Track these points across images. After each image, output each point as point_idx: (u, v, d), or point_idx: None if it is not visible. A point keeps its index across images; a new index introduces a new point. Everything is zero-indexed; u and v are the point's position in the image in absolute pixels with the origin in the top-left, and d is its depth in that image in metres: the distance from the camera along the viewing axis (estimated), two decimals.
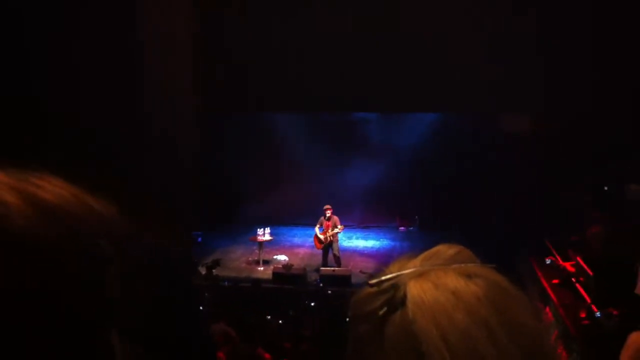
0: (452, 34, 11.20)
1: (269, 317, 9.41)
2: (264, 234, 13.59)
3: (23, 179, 0.58)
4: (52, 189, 0.59)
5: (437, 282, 0.69)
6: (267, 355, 7.06)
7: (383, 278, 0.72)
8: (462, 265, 0.72)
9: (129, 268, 0.62)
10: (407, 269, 0.72)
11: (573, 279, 9.07)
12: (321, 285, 11.83)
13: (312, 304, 10.44)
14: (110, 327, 0.59)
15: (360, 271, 12.94)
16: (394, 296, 0.69)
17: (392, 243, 15.57)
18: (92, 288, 0.57)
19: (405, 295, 0.68)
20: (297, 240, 15.64)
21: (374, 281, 0.73)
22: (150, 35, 6.15)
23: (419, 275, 0.71)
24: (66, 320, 0.55)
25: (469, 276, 0.70)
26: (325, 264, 12.92)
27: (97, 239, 0.59)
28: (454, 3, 11.26)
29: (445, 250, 0.76)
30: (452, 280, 0.69)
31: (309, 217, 14.64)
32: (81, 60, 5.68)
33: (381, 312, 0.69)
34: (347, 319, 0.75)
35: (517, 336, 0.66)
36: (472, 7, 11.15)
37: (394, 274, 0.72)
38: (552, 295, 8.89)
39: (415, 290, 0.68)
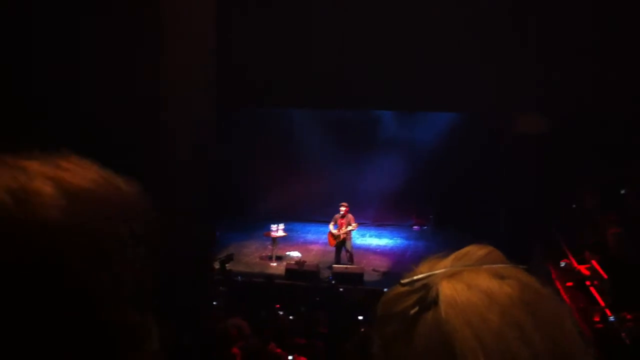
0: (462, 34, 11.16)
1: (281, 312, 9.43)
2: (278, 230, 13.61)
3: (55, 166, 0.60)
4: (81, 172, 0.61)
5: (469, 283, 0.69)
6: (278, 351, 7.09)
7: (415, 278, 0.72)
8: (494, 266, 0.72)
9: (157, 249, 0.63)
10: (438, 269, 0.72)
11: (587, 282, 9.00)
12: (333, 282, 11.84)
13: (324, 301, 10.45)
14: (143, 308, 0.61)
15: (373, 269, 12.94)
16: (426, 296, 0.69)
17: (406, 242, 15.53)
18: (124, 270, 0.59)
19: (437, 295, 0.69)
20: (310, 236, 15.64)
21: (405, 280, 0.73)
22: (172, 32, 6.19)
23: (450, 275, 0.71)
24: (103, 303, 0.57)
25: (501, 277, 0.70)
26: (338, 261, 12.93)
27: (127, 221, 0.61)
28: (459, 4, 11.23)
29: (476, 250, 0.76)
30: (485, 281, 0.69)
31: (323, 214, 14.64)
32: (104, 57, 5.73)
33: (412, 312, 0.69)
34: (377, 318, 0.75)
35: (550, 338, 0.66)
36: (478, 7, 11.10)
37: (425, 274, 0.72)
38: (566, 298, 8.83)
39: (448, 290, 0.68)
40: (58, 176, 0.58)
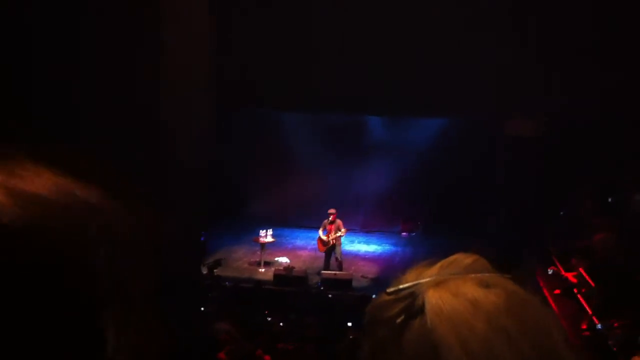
0: (461, 35, 11.18)
1: (269, 319, 9.40)
2: (267, 236, 13.57)
3: (8, 173, 0.59)
4: (35, 179, 0.60)
5: (455, 291, 0.69)
6: (266, 357, 7.06)
7: (401, 286, 0.72)
8: (480, 274, 0.72)
9: (120, 252, 0.62)
10: (424, 278, 0.72)
11: (575, 290, 9.05)
12: (322, 288, 11.82)
13: (312, 306, 10.42)
14: (105, 317, 0.59)
15: (362, 275, 12.94)
16: (412, 304, 0.69)
17: (394, 248, 15.53)
18: (81, 275, 0.58)
19: (423, 304, 0.69)
20: (299, 242, 15.60)
21: (391, 289, 0.73)
22: (172, 32, 6.18)
23: (436, 284, 0.71)
24: (57, 309, 0.56)
25: (487, 286, 0.70)
26: (327, 267, 12.91)
27: (83, 226, 0.60)
28: (457, 9, 11.27)
29: (462, 259, 0.76)
30: (471, 290, 0.69)
31: (312, 220, 14.60)
32: (104, 57, 5.71)
33: (399, 320, 0.69)
34: (364, 325, 0.75)
35: (538, 346, 0.66)
36: (476, 13, 11.14)
37: (411, 283, 0.72)
38: (554, 306, 8.87)
39: (433, 299, 0.68)
40: (10, 184, 0.58)
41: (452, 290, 0.69)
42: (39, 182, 0.60)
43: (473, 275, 0.72)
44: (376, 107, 13.48)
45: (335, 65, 11.70)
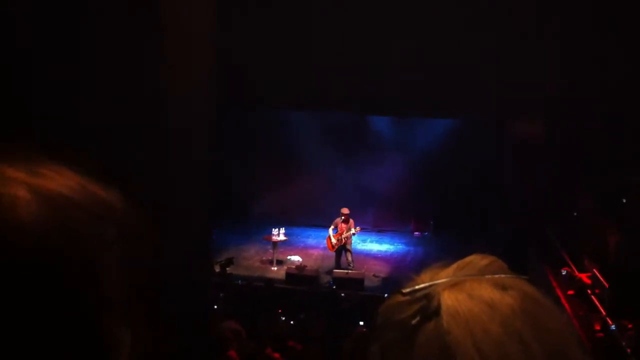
0: (463, 39, 11.15)
1: (283, 318, 9.41)
2: (279, 234, 13.60)
3: (30, 172, 0.59)
4: (58, 178, 0.60)
5: (471, 293, 0.69)
6: (276, 355, 7.07)
7: (416, 287, 0.72)
8: (496, 276, 0.72)
9: (131, 253, 0.63)
10: (439, 279, 0.72)
11: (588, 291, 8.98)
12: (334, 287, 11.83)
13: (324, 306, 10.42)
14: (114, 317, 0.59)
15: (374, 275, 12.93)
16: (428, 306, 0.69)
17: (406, 248, 15.50)
18: (96, 276, 0.58)
19: (439, 306, 0.68)
20: (311, 241, 15.62)
21: (406, 290, 0.72)
22: (173, 32, 6.22)
23: (452, 285, 0.70)
24: (70, 310, 0.56)
25: (503, 287, 0.70)
26: (338, 266, 12.92)
27: (102, 227, 0.60)
28: (462, 9, 11.23)
29: (478, 260, 0.75)
30: (487, 292, 0.69)
31: (324, 219, 14.62)
32: (104, 57, 5.75)
33: (414, 322, 0.69)
34: (376, 326, 0.75)
35: (552, 350, 0.66)
36: (481, 12, 11.10)
37: (427, 284, 0.71)
38: (567, 306, 8.80)
39: (450, 301, 0.68)
40: (33, 182, 0.58)
41: (468, 291, 0.69)
42: (61, 180, 0.60)
43: (489, 276, 0.72)
44: (375, 105, 13.48)
45: (335, 65, 11.71)
